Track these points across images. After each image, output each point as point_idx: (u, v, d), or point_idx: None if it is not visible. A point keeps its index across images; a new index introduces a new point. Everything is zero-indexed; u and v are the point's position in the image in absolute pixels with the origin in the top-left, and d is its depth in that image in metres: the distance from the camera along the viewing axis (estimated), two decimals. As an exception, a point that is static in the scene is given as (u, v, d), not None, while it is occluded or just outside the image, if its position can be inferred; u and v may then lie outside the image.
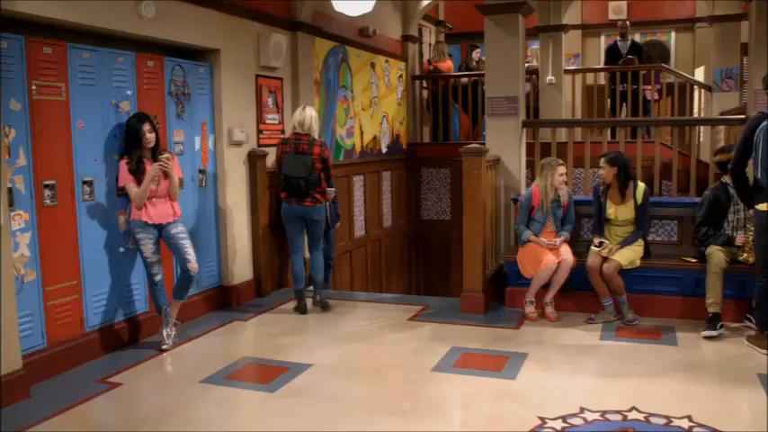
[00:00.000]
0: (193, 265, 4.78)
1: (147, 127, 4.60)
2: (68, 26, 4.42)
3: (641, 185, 5.35)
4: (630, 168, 5.39)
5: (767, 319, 4.48)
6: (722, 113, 8.56)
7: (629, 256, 5.22)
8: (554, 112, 9.50)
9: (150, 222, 4.66)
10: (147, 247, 4.68)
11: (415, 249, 9.75)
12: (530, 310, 5.42)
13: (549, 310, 5.37)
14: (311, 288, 6.38)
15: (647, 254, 5.36)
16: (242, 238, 6.11)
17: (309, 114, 5.63)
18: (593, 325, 5.17)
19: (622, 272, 5.17)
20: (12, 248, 3.95)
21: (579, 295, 5.51)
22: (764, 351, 4.44)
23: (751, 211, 4.75)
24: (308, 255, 6.11)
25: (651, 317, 5.26)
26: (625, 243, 5.27)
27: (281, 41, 6.35)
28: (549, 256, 5.28)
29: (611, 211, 5.35)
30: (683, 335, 4.90)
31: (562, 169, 5.42)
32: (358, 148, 8.32)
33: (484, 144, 6.05)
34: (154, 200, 4.68)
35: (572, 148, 6.75)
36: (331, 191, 6.33)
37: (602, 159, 5.35)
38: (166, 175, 4.69)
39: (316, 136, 5.67)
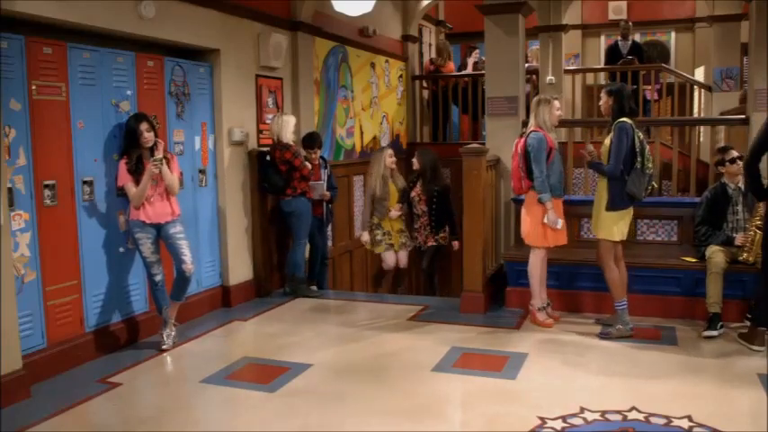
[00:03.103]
0: (189, 266, 4.77)
1: (144, 126, 4.59)
2: (68, 26, 4.42)
3: (622, 119, 4.72)
4: (625, 99, 4.76)
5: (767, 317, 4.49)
6: (722, 113, 8.56)
7: (598, 225, 4.83)
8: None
9: (148, 222, 4.66)
10: (146, 246, 4.68)
11: (415, 249, 9.71)
12: (543, 317, 5.18)
13: (550, 311, 5.31)
14: (314, 288, 6.44)
15: (618, 201, 4.72)
16: (242, 238, 6.10)
17: (277, 121, 6.01)
18: (592, 325, 5.16)
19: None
20: (12, 248, 3.95)
21: (579, 295, 5.52)
22: (756, 348, 4.48)
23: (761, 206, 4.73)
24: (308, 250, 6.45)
25: (651, 317, 5.26)
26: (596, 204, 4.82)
27: (281, 41, 6.35)
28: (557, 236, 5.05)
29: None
30: (683, 335, 4.90)
31: (558, 103, 5.08)
32: (358, 148, 8.32)
33: (484, 144, 6.06)
34: (152, 199, 4.67)
35: (572, 148, 6.74)
36: (324, 189, 6.30)
37: (602, 91, 4.93)
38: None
39: (286, 139, 5.95)
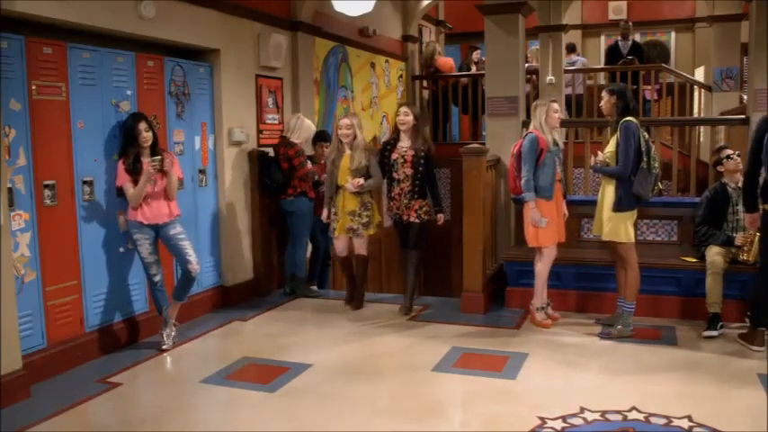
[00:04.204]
0: (195, 266, 4.77)
1: (142, 125, 4.59)
2: (68, 26, 4.42)
3: (628, 118, 4.69)
4: (629, 97, 4.76)
5: (764, 317, 4.49)
6: (722, 113, 8.57)
7: (605, 225, 4.78)
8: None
9: (146, 223, 4.65)
10: (144, 247, 4.68)
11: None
12: (541, 317, 5.18)
13: (550, 311, 5.31)
14: (315, 288, 6.43)
15: (625, 202, 4.70)
16: (242, 238, 6.11)
17: (294, 121, 6.04)
18: (593, 325, 5.16)
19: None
20: (12, 248, 3.95)
21: (579, 295, 5.52)
22: (756, 348, 4.48)
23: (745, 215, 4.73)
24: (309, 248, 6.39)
25: (651, 317, 5.26)
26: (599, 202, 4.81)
27: (281, 41, 6.35)
28: (554, 235, 5.05)
29: (607, 148, 4.85)
30: (683, 335, 4.90)
31: (556, 106, 5.07)
32: (358, 148, 8.30)
33: (484, 144, 6.06)
34: (149, 199, 4.66)
35: (572, 148, 6.75)
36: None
37: (603, 91, 4.93)
38: (164, 174, 4.68)
39: (296, 139, 5.96)
